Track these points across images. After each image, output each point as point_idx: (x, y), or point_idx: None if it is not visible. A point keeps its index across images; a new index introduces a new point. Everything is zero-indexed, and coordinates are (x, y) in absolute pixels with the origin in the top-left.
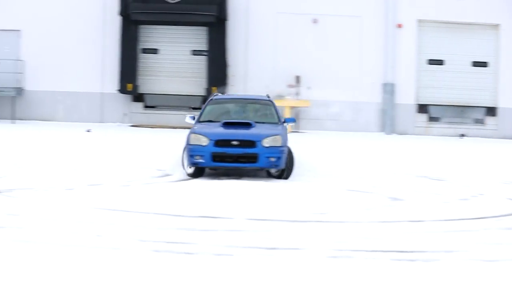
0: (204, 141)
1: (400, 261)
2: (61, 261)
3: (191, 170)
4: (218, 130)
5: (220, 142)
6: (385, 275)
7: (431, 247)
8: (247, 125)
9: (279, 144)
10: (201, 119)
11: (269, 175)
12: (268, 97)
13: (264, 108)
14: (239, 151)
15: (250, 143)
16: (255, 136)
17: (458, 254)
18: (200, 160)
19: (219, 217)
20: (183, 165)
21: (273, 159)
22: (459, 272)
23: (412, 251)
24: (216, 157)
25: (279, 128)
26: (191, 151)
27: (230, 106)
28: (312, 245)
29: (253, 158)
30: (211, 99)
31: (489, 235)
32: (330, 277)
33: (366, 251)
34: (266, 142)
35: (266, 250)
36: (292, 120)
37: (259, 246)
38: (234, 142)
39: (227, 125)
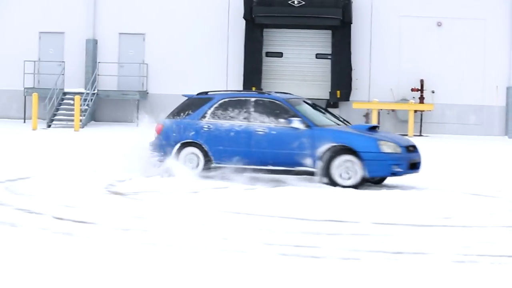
0: (397, 149)
1: None
2: (187, 264)
3: (351, 181)
4: (393, 137)
5: (409, 149)
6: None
7: None
8: (377, 129)
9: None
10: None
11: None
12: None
13: (318, 109)
14: (415, 156)
15: (415, 148)
16: (409, 142)
17: None
18: (398, 170)
19: (344, 221)
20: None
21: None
22: None
23: None
24: (411, 165)
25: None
26: (387, 159)
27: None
28: (437, 250)
29: (419, 163)
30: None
31: None
32: (456, 281)
33: (492, 256)
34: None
35: (392, 255)
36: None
37: (385, 250)
38: (411, 148)
39: (371, 129)
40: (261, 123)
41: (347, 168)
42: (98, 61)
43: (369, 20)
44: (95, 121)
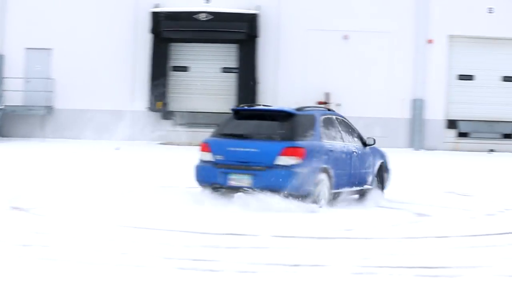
0: None
1: (423, 277)
2: (84, 279)
3: None
4: None
5: None
6: None
7: (455, 262)
8: None
9: None
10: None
11: None
12: None
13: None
14: None
15: None
16: None
17: (482, 270)
18: None
19: (244, 235)
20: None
21: None
22: None
23: (436, 267)
24: None
25: None
26: None
27: None
28: (336, 262)
29: None
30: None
31: None
32: None
33: (391, 267)
34: None
35: (289, 267)
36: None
37: (283, 263)
38: None
39: None
40: (351, 143)
41: None
42: (4, 76)
43: (276, 33)
44: (2, 136)
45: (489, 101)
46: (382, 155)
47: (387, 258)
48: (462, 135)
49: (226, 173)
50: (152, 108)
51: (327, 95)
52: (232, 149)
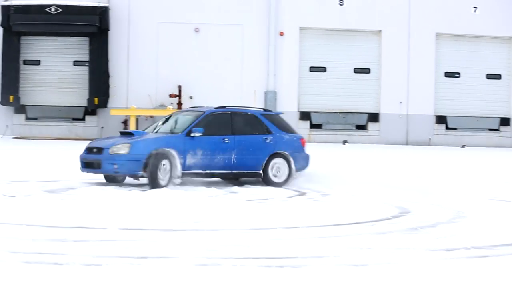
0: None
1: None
2: None
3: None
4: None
5: None
6: (252, 282)
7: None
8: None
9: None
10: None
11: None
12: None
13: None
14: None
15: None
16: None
17: (328, 260)
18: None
19: (92, 228)
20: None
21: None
22: (328, 278)
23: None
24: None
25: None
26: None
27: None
28: (182, 253)
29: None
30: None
31: (362, 240)
32: (196, 285)
33: (236, 258)
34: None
35: (136, 259)
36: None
37: (130, 255)
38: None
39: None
40: None
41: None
42: None
43: (127, 26)
44: None
45: (342, 92)
46: None
47: (233, 249)
48: (315, 126)
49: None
50: (4, 102)
51: (179, 87)
52: None
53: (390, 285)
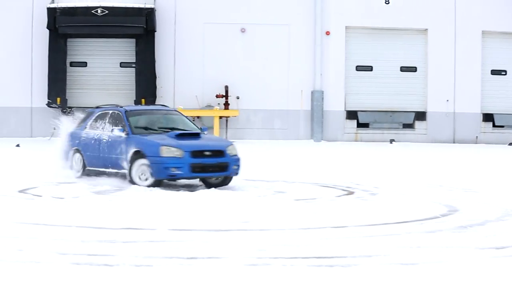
0: (178, 153)
1: (318, 267)
2: None
3: (148, 182)
4: (186, 142)
5: (196, 153)
6: (302, 282)
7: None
8: (198, 136)
9: (236, 153)
10: (133, 132)
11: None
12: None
13: (181, 119)
14: (213, 161)
15: (221, 153)
16: (222, 146)
17: (377, 259)
18: (178, 172)
19: (141, 229)
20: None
21: (235, 167)
22: (378, 277)
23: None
24: (195, 168)
25: (219, 138)
26: (166, 163)
27: (152, 117)
28: (232, 254)
29: (224, 168)
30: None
31: (411, 239)
32: (246, 285)
33: (285, 258)
34: (229, 151)
35: (185, 260)
36: (205, 129)
37: (179, 256)
38: (207, 153)
39: (181, 136)
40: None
41: (143, 170)
42: None
43: (173, 27)
44: None
45: (389, 91)
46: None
47: (282, 249)
48: (362, 126)
49: None
50: (51, 104)
51: (226, 88)
52: None
53: (441, 284)
